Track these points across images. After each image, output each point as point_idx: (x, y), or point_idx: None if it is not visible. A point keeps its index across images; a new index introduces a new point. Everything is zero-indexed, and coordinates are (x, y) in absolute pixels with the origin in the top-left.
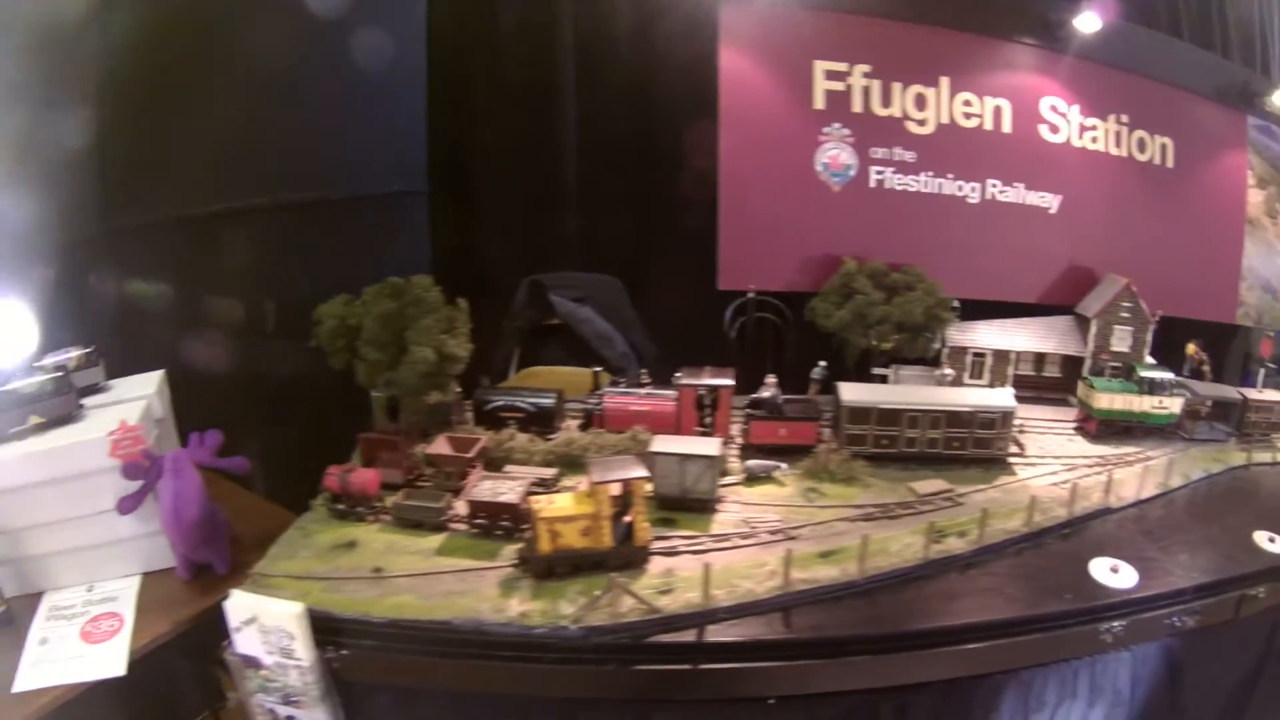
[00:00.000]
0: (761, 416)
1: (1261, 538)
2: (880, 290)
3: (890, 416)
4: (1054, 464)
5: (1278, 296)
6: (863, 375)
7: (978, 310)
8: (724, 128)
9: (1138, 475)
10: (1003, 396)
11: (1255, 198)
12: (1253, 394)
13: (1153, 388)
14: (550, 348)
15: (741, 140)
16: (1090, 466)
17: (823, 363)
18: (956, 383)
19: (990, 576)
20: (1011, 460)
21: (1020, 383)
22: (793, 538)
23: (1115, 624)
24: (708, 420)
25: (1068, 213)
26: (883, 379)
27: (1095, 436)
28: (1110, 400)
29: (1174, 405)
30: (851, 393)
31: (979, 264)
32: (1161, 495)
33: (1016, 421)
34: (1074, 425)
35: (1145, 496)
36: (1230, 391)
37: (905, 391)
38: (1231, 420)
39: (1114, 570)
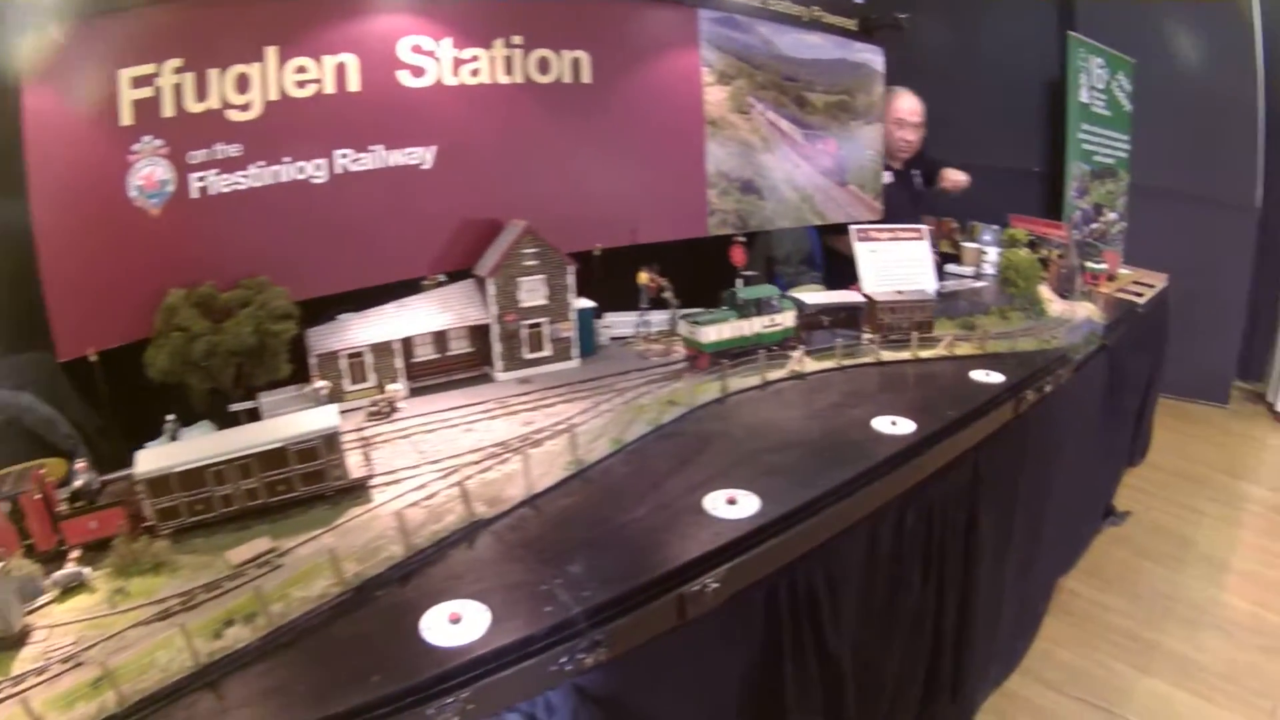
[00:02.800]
0: (72, 512)
1: (716, 500)
2: (208, 318)
3: (193, 479)
4: (430, 471)
5: (763, 195)
6: (223, 419)
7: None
8: (33, 180)
9: (550, 456)
10: (322, 416)
11: (718, 95)
12: (880, 294)
13: (759, 308)
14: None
15: (53, 187)
16: (484, 461)
17: (170, 417)
18: (336, 394)
19: (281, 670)
20: (370, 485)
21: (424, 370)
22: (80, 663)
23: (455, 698)
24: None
25: (448, 164)
26: (249, 415)
27: (708, 371)
28: (718, 332)
29: (787, 319)
30: (149, 460)
31: (349, 250)
32: (574, 476)
33: (393, 429)
34: (684, 362)
35: (543, 488)
36: (850, 295)
37: (217, 441)
38: (858, 324)
39: (454, 621)
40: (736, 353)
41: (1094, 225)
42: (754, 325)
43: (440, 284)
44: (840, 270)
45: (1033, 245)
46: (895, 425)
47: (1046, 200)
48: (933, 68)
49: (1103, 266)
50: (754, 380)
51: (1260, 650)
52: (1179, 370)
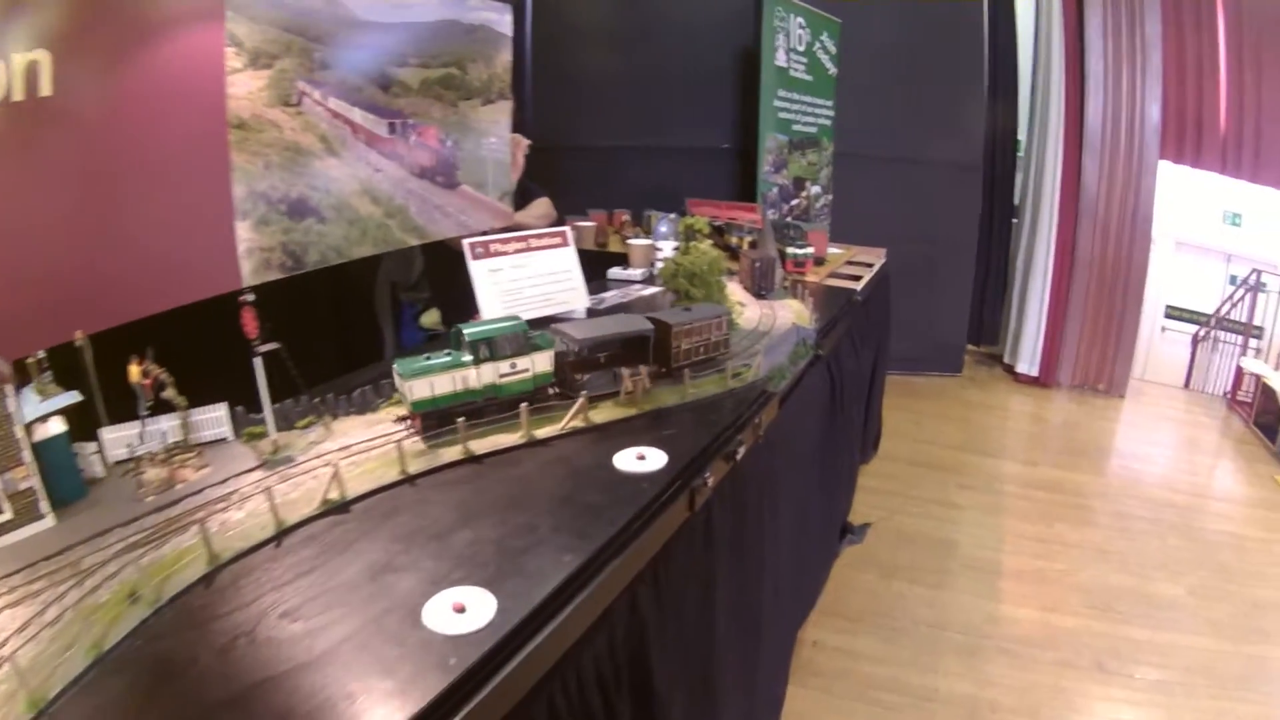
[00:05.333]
0: None
1: None
2: None
3: None
4: None
5: (324, 217)
6: None
7: None
8: None
9: None
10: None
11: (250, 85)
12: (674, 317)
13: (492, 350)
14: None
15: None
16: None
17: None
18: None
19: None
20: None
21: None
22: None
23: None
24: None
25: None
26: None
27: (427, 435)
28: (430, 385)
29: (541, 362)
30: None
31: None
32: None
33: None
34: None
35: None
36: (634, 322)
37: None
38: (646, 357)
39: None
40: (469, 410)
41: (794, 202)
42: (485, 374)
43: None
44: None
45: (720, 233)
46: (464, 613)
47: (742, 180)
48: (596, 35)
49: (808, 251)
50: (393, 473)
51: (1057, 667)
52: (906, 343)
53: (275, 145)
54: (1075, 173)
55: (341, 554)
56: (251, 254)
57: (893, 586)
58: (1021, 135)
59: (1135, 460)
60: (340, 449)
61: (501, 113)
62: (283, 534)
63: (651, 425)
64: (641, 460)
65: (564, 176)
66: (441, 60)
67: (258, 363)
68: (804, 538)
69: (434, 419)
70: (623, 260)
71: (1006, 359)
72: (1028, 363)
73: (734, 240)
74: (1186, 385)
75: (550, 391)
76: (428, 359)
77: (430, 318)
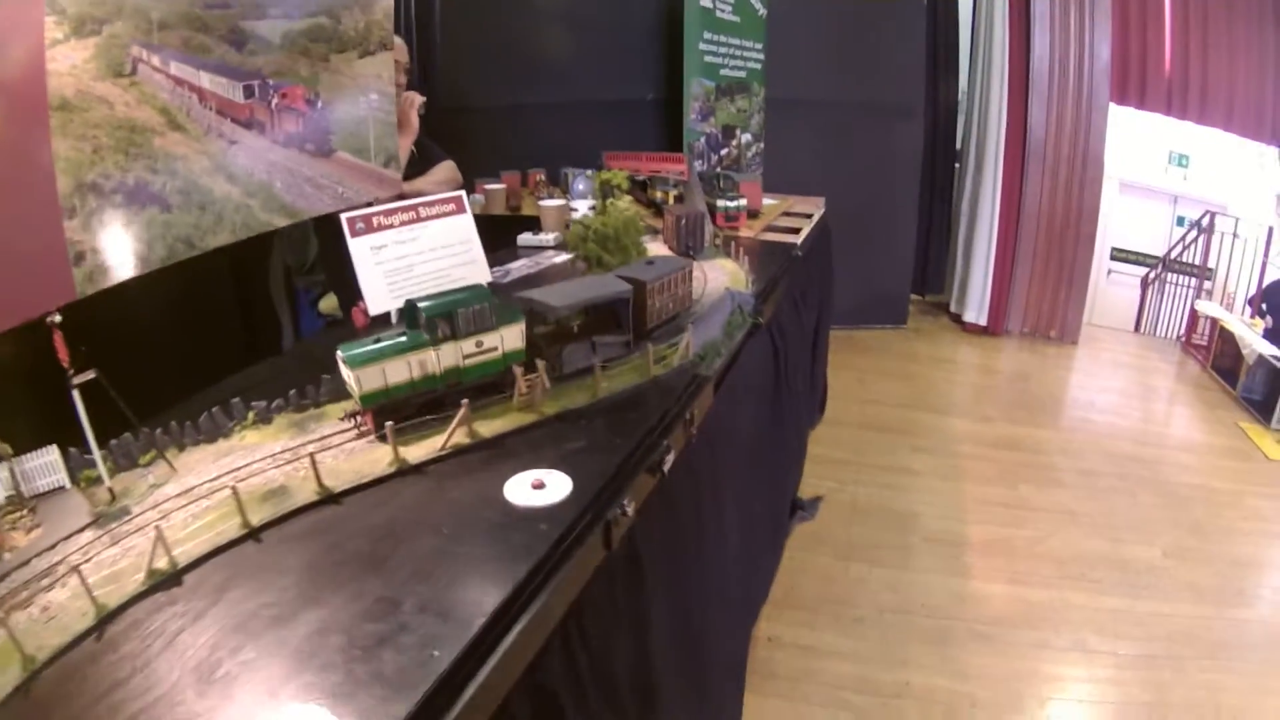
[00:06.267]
0: None
1: None
2: None
3: None
4: None
5: (170, 205)
6: None
7: None
8: None
9: None
10: None
11: (73, 58)
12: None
13: (453, 327)
14: None
15: None
16: None
17: None
18: None
19: None
20: None
21: None
22: None
23: None
24: None
25: None
26: None
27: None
28: (378, 374)
29: (511, 338)
30: None
31: None
32: None
33: None
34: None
35: None
36: (611, 284)
37: None
38: (624, 323)
39: None
40: (427, 401)
41: (724, 152)
42: (448, 355)
43: None
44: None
45: (643, 188)
46: None
47: (671, 133)
48: None
49: (740, 203)
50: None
51: (1035, 649)
52: (848, 296)
53: (105, 125)
54: (1022, 115)
55: (165, 650)
56: (84, 258)
57: (851, 569)
58: (963, 76)
59: (1094, 411)
60: (180, 494)
61: (383, 66)
62: (105, 621)
63: (555, 437)
64: (539, 490)
65: (476, 138)
66: (307, 9)
67: (77, 395)
68: (752, 534)
69: (387, 413)
70: (536, 225)
71: (953, 308)
72: (975, 311)
73: (658, 195)
74: (1137, 329)
75: (518, 373)
76: (377, 341)
77: (329, 302)
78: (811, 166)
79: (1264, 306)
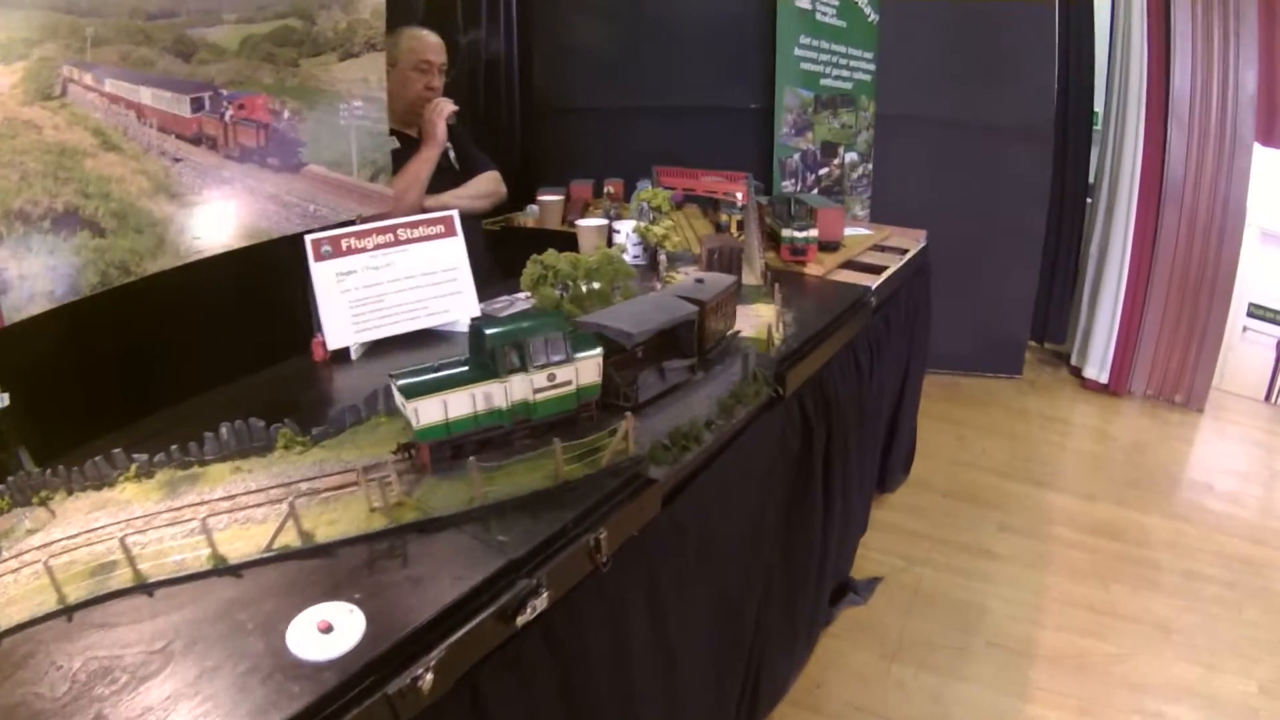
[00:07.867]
0: None
1: None
2: None
3: None
4: None
5: (104, 230)
6: None
7: None
8: None
9: None
10: None
11: (2, 84)
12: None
13: (521, 357)
14: None
15: None
16: None
17: None
18: None
19: None
20: None
21: None
22: None
23: None
24: None
25: None
26: None
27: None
28: (438, 406)
29: (587, 371)
30: None
31: None
32: None
33: None
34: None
35: None
36: (675, 305)
37: None
38: (688, 346)
39: None
40: (492, 437)
41: (823, 172)
42: (517, 389)
43: None
44: None
45: (715, 207)
46: None
47: (766, 145)
48: None
49: (809, 234)
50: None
51: None
52: (958, 339)
53: (33, 150)
54: (1160, 150)
55: None
56: (11, 286)
57: (893, 671)
58: (1099, 100)
59: (1212, 497)
60: (41, 545)
61: (371, 69)
62: None
63: (395, 554)
64: (325, 634)
65: (561, 143)
66: (273, 11)
67: None
68: (733, 649)
69: (446, 450)
70: (573, 244)
71: (1074, 360)
72: (1097, 367)
73: (723, 218)
74: (1268, 398)
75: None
76: (436, 369)
77: None
78: (920, 192)
79: None
